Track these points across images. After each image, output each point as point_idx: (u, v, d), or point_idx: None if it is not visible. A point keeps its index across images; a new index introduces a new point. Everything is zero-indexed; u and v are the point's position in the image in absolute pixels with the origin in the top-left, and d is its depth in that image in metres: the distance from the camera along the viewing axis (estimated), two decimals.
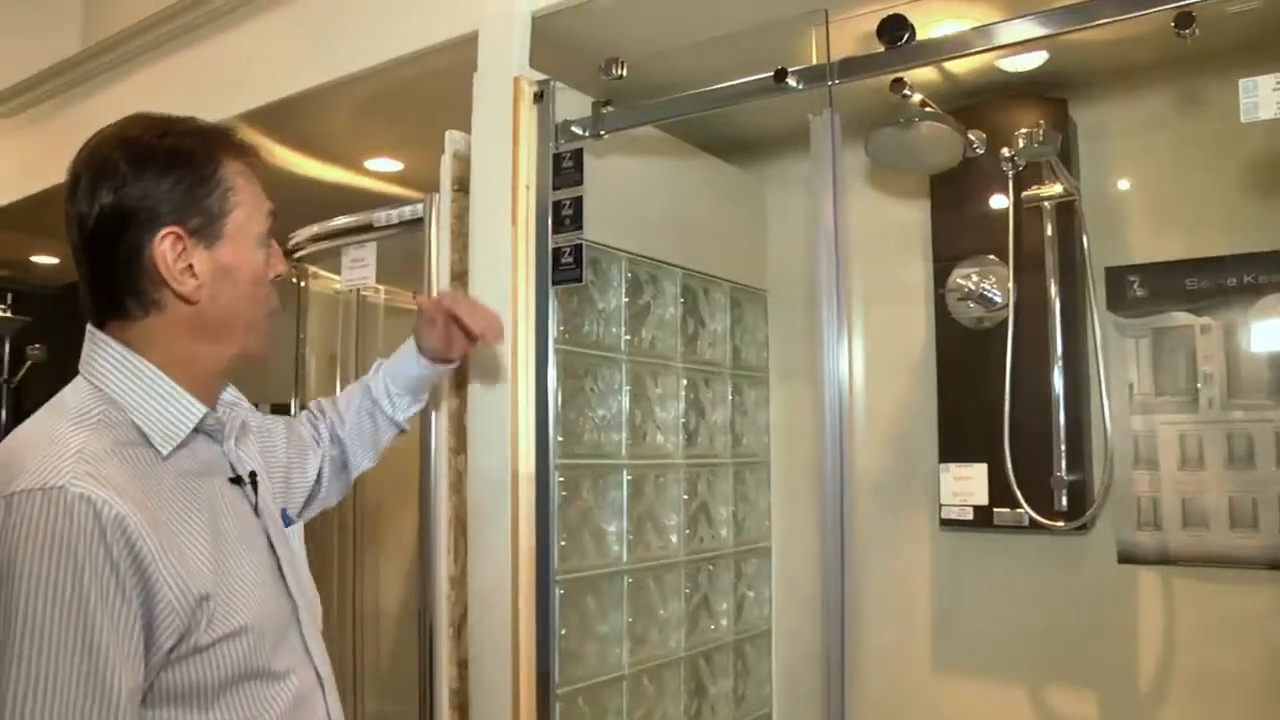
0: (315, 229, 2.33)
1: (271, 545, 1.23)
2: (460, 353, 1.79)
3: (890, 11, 1.55)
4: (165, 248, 1.11)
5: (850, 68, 1.58)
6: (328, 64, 2.33)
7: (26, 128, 3.55)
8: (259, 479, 1.26)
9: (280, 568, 1.22)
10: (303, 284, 2.54)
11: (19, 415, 4.26)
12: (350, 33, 2.31)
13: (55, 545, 0.94)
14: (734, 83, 1.71)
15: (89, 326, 1.15)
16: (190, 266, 1.13)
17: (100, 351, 1.13)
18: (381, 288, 2.70)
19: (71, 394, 1.12)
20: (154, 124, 1.16)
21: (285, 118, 2.58)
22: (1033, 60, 2.05)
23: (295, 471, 1.53)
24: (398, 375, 1.73)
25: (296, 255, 2.44)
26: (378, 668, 2.52)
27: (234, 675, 1.09)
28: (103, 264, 1.12)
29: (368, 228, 2.20)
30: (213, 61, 2.72)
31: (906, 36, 1.50)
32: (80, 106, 3.25)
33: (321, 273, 2.56)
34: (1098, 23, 1.37)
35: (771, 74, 1.63)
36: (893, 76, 1.63)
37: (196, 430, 1.15)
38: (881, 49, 1.56)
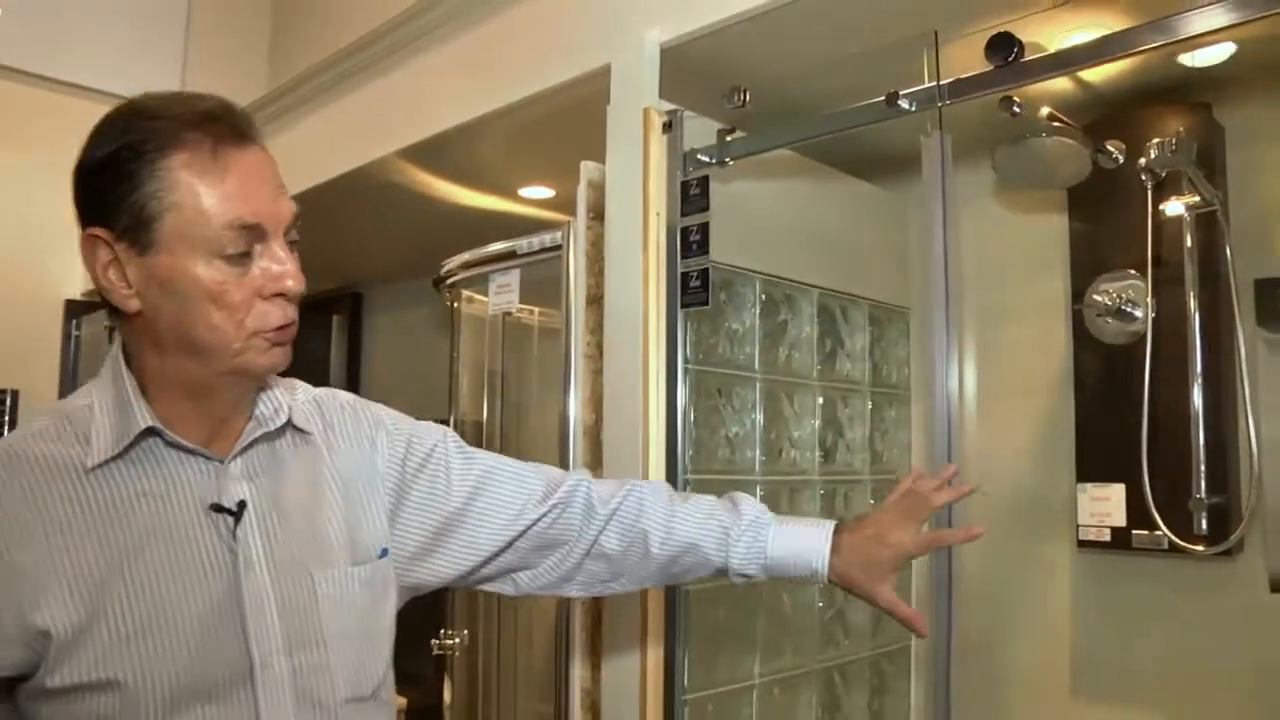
0: (466, 256, 2.49)
1: (240, 591, 1.04)
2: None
3: (998, 29, 1.56)
4: (89, 250, 1.01)
5: (960, 88, 1.60)
6: (477, 99, 2.49)
7: None
8: (264, 510, 1.09)
9: (245, 618, 1.04)
10: (455, 306, 2.71)
11: None
12: (497, 69, 2.46)
13: None
14: (848, 108, 1.75)
15: None
16: (124, 273, 1.00)
17: (110, 350, 1.08)
18: (535, 309, 2.85)
19: (81, 388, 1.09)
20: (147, 98, 1.04)
21: (446, 150, 2.76)
22: (1218, 54, 1.98)
23: (392, 496, 1.25)
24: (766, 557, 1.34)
25: (450, 281, 2.60)
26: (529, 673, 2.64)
27: (93, 669, 0.98)
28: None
29: (511, 255, 2.34)
30: (376, 101, 2.94)
31: (1014, 54, 1.51)
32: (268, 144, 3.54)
33: (476, 296, 2.71)
34: (1198, 34, 1.36)
35: (884, 97, 1.67)
36: (1001, 95, 1.63)
37: (171, 446, 1.05)
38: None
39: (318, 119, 3.21)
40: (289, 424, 1.14)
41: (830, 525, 1.34)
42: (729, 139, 1.97)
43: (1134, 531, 2.10)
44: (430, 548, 1.25)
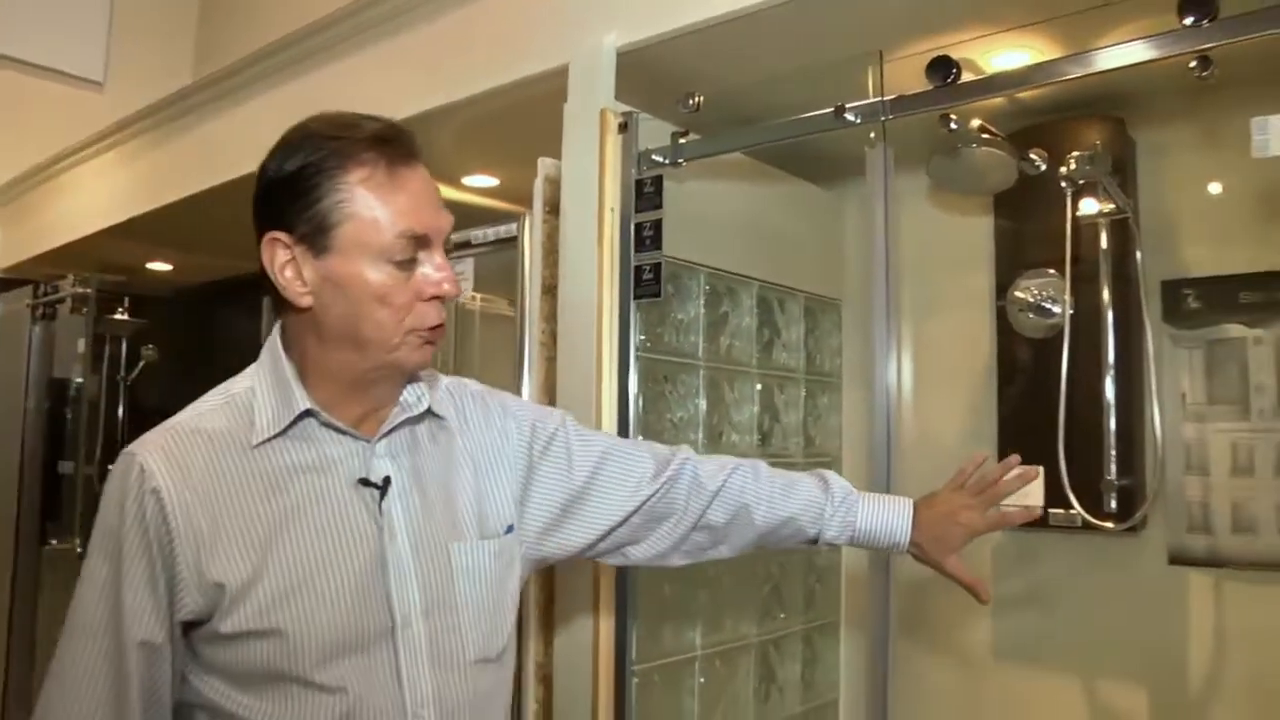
0: None
1: (384, 557, 1.17)
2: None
3: (939, 53, 1.69)
4: (270, 251, 1.13)
5: (902, 105, 1.73)
6: (431, 93, 2.54)
7: (146, 152, 3.87)
8: (405, 486, 1.21)
9: (388, 581, 1.17)
10: None
11: (134, 410, 4.59)
12: (452, 64, 2.52)
13: (113, 496, 1.13)
14: (798, 117, 1.87)
15: None
16: (300, 273, 1.13)
17: (269, 338, 1.21)
18: (478, 296, 2.92)
19: (243, 372, 1.21)
20: (323, 120, 1.16)
21: None
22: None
23: (521, 479, 1.37)
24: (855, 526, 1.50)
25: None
26: None
27: (266, 672, 1.11)
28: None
29: (466, 244, 2.42)
30: (320, 91, 2.96)
31: (953, 76, 1.64)
32: (193, 133, 3.56)
33: None
34: (1111, 68, 1.51)
35: (832, 109, 1.79)
36: (939, 112, 1.77)
37: (326, 426, 1.17)
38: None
39: (258, 105, 3.23)
40: (429, 411, 1.26)
41: (910, 503, 1.51)
42: (682, 141, 2.07)
43: (1051, 510, 2.26)
44: (558, 522, 1.38)
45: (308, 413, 1.16)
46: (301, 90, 3.04)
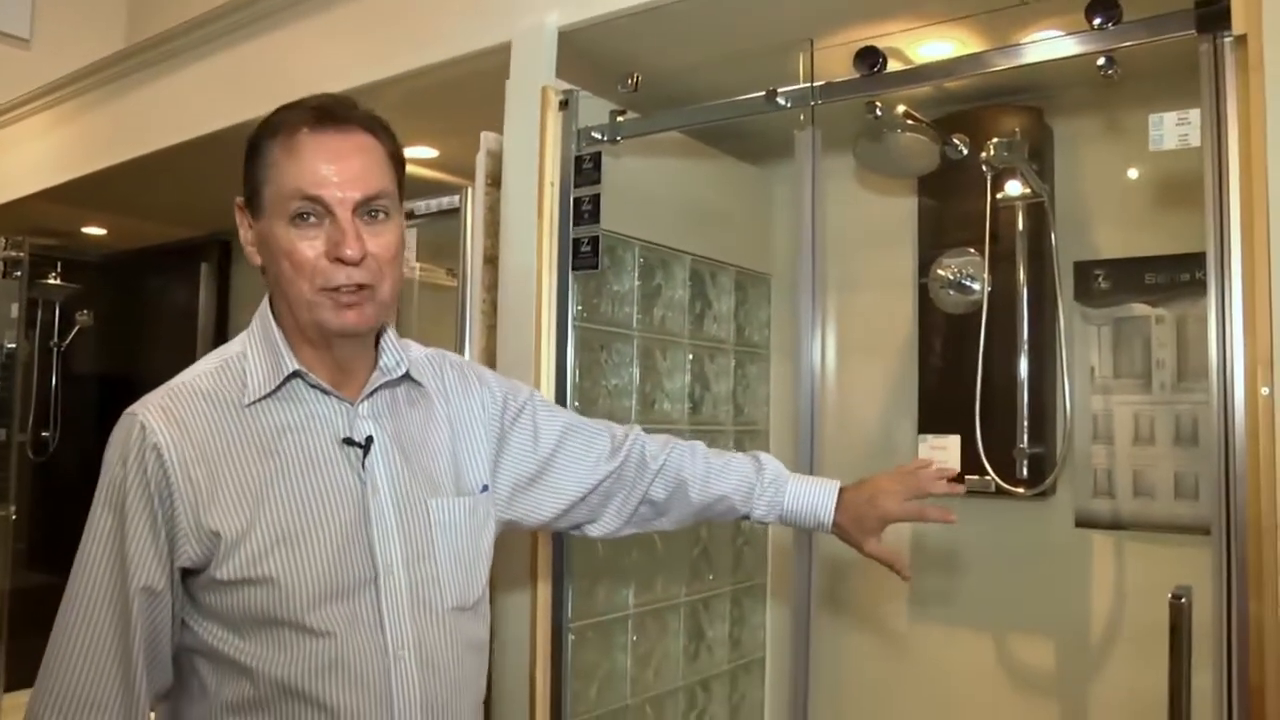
0: None
1: (367, 511, 1.25)
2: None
3: (866, 44, 1.79)
4: (238, 216, 1.27)
5: (831, 91, 1.82)
6: (373, 65, 2.58)
7: (80, 115, 3.82)
8: (386, 446, 1.29)
9: (371, 533, 1.25)
10: None
11: (67, 376, 4.56)
12: (395, 37, 2.56)
13: (116, 452, 1.20)
14: (731, 100, 1.95)
15: None
16: (250, 236, 1.26)
17: (261, 303, 1.30)
18: (418, 265, 2.97)
19: (237, 337, 1.30)
20: (304, 99, 1.27)
21: None
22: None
23: (494, 446, 1.46)
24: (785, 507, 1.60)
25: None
26: None
27: (259, 617, 1.19)
28: None
29: (409, 215, 2.47)
30: (256, 61, 2.98)
31: (879, 65, 1.73)
32: (129, 97, 3.53)
33: None
34: (1021, 63, 1.62)
35: (764, 93, 1.87)
36: (866, 99, 1.86)
37: (313, 387, 1.26)
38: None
39: (194, 73, 3.22)
40: (406, 376, 1.35)
41: (836, 486, 1.60)
42: (620, 119, 2.14)
43: (967, 476, 2.38)
44: (526, 487, 1.50)
45: (295, 374, 1.25)
46: (239, 59, 3.05)
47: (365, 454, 1.27)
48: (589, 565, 2.29)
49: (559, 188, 2.18)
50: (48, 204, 4.08)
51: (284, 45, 2.90)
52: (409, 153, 3.22)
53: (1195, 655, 1.53)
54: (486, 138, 2.29)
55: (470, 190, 2.34)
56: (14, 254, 4.03)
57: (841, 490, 1.59)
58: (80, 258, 4.54)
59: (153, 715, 1.26)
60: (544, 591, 2.13)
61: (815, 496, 1.59)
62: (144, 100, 3.47)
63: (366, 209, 1.22)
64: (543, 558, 2.12)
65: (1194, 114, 1.52)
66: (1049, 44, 1.62)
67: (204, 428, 1.20)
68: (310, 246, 1.19)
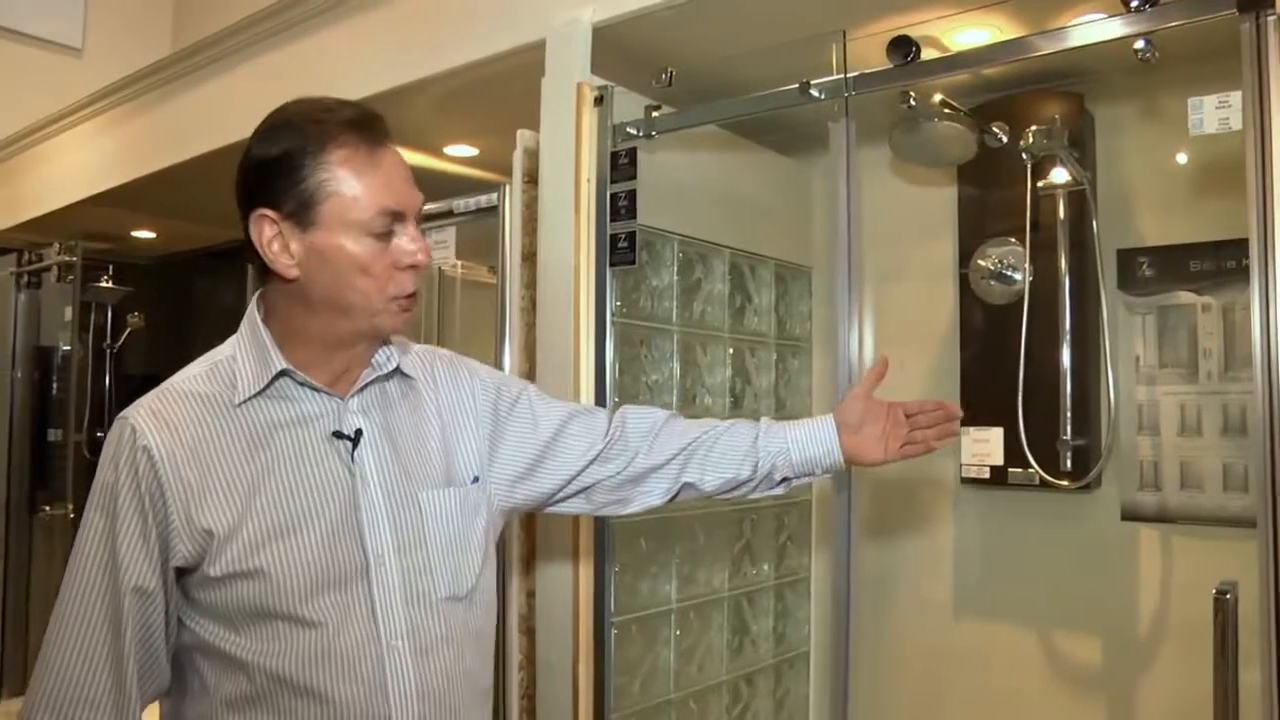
0: None
1: (357, 502, 1.27)
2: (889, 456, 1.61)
3: (904, 30, 1.77)
4: (258, 228, 1.22)
5: (865, 82, 1.81)
6: (410, 66, 2.60)
7: (128, 121, 3.90)
8: (376, 439, 1.31)
9: (361, 524, 1.27)
10: None
11: (120, 376, 4.65)
12: (431, 37, 2.58)
13: (108, 455, 1.22)
14: (765, 93, 1.95)
15: None
16: (287, 246, 1.22)
17: (249, 306, 1.30)
18: (459, 262, 3.00)
19: (226, 342, 1.31)
20: (302, 105, 1.26)
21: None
22: None
23: (487, 437, 1.46)
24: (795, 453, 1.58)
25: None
26: None
27: (253, 610, 1.20)
28: (243, 226, 1.26)
29: (449, 213, 2.49)
30: (299, 62, 3.02)
31: (912, 55, 1.72)
32: (175, 102, 3.60)
33: None
34: (1063, 48, 1.59)
35: (797, 85, 1.87)
36: (899, 89, 1.85)
37: (302, 385, 1.27)
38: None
39: (237, 76, 3.27)
40: (397, 370, 1.37)
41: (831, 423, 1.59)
42: (655, 114, 2.14)
43: (1010, 469, 2.37)
44: (527, 474, 1.49)
45: (284, 373, 1.26)
46: (280, 62, 3.09)
47: (355, 447, 1.29)
48: (632, 558, 2.30)
49: (595, 184, 2.19)
50: (99, 208, 4.16)
51: (324, 47, 2.93)
52: (450, 151, 3.31)
53: (1244, 652, 1.51)
54: (523, 135, 2.31)
55: (508, 188, 2.36)
56: (67, 258, 4.13)
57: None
58: (131, 261, 4.63)
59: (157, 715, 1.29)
60: (586, 587, 2.14)
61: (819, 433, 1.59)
62: (190, 105, 3.53)
63: (418, 218, 1.29)
64: (584, 550, 2.14)
65: (1235, 96, 1.49)
66: (1085, 28, 1.60)
67: (195, 428, 1.23)
68: (384, 256, 1.23)
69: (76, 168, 4.19)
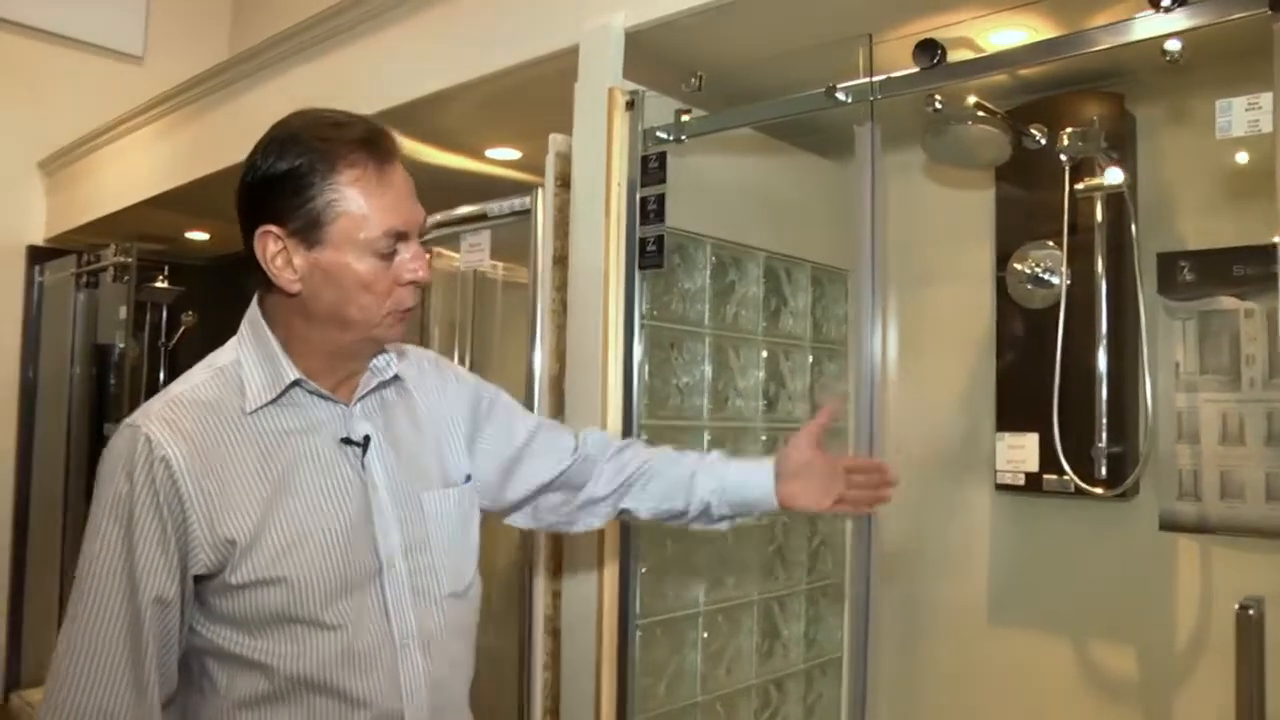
0: (439, 217, 2.65)
1: (369, 506, 1.30)
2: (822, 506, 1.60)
3: (936, 32, 1.76)
4: (263, 243, 1.23)
5: (890, 86, 1.80)
6: (450, 70, 2.64)
7: (184, 125, 4.01)
8: (382, 444, 1.34)
9: (373, 528, 1.29)
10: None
11: (174, 374, 4.75)
12: (470, 43, 2.61)
13: (120, 468, 1.19)
14: (792, 97, 1.95)
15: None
16: (291, 263, 1.23)
17: (248, 314, 1.31)
18: (499, 264, 3.03)
19: (224, 346, 1.32)
20: (308, 120, 1.26)
21: (414, 116, 2.91)
22: None
23: (472, 438, 1.51)
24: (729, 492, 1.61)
25: (422, 239, 2.77)
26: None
27: (274, 616, 1.22)
28: (244, 238, 1.27)
29: (483, 217, 2.52)
30: (347, 67, 3.07)
31: (938, 58, 1.71)
32: (228, 107, 3.68)
33: (444, 252, 2.89)
34: (1092, 49, 1.57)
35: (823, 90, 1.86)
36: (925, 92, 1.83)
37: (311, 393, 1.29)
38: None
39: (288, 80, 3.33)
40: (395, 376, 1.40)
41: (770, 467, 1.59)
42: (685, 118, 2.15)
43: (1045, 476, 2.33)
44: (506, 474, 1.55)
45: (296, 382, 1.28)
46: (330, 66, 3.14)
47: (364, 452, 1.32)
48: (659, 563, 2.30)
49: (626, 188, 2.20)
50: (154, 211, 4.27)
51: (370, 53, 2.98)
52: (492, 154, 3.34)
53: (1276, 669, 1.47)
54: (555, 139, 2.32)
55: (541, 191, 2.38)
56: (123, 260, 4.23)
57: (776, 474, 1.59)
58: (185, 261, 4.73)
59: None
60: (611, 589, 2.15)
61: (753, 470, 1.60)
62: (242, 109, 3.61)
63: (421, 234, 1.31)
64: (610, 551, 2.15)
65: (1265, 98, 1.46)
66: (1113, 29, 1.57)
67: (208, 437, 1.23)
68: (387, 274, 1.25)
69: (134, 172, 4.30)
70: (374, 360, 1.37)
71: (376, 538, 1.30)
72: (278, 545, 1.22)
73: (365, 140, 1.24)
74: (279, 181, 1.23)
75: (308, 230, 1.22)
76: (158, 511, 1.18)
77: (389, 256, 1.24)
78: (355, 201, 1.22)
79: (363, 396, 1.35)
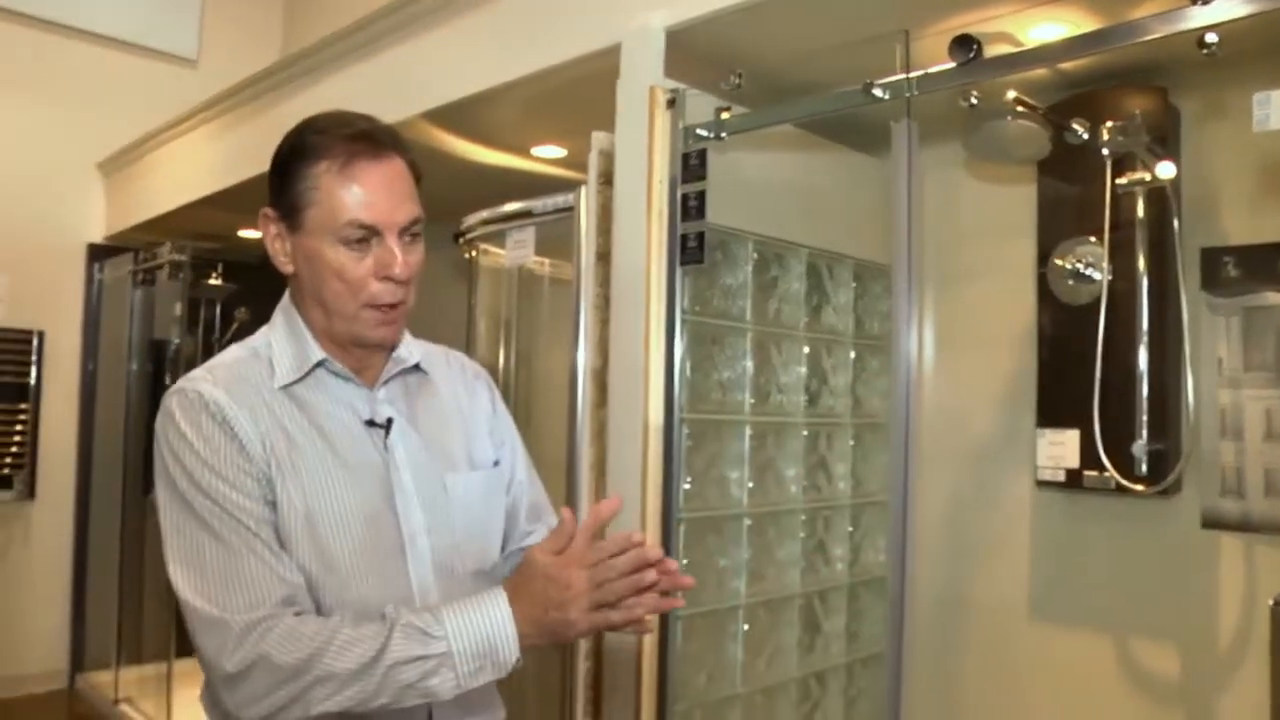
0: (485, 214, 2.71)
1: (391, 485, 1.35)
2: None
3: (975, 27, 1.78)
4: (263, 225, 1.36)
5: (927, 82, 1.81)
6: (496, 69, 2.68)
7: (237, 126, 4.11)
8: (404, 427, 1.39)
9: (395, 506, 1.35)
10: (473, 258, 2.94)
11: None
12: (514, 42, 2.66)
13: (185, 418, 1.27)
14: (829, 94, 1.97)
15: None
16: (284, 246, 1.34)
17: (281, 301, 1.41)
18: (546, 260, 3.07)
19: (258, 331, 1.41)
20: (323, 117, 1.36)
21: (462, 114, 2.96)
22: None
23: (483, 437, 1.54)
24: None
25: (469, 236, 2.82)
26: None
27: (308, 580, 1.28)
28: None
29: (528, 214, 2.56)
30: (396, 67, 3.13)
31: (974, 54, 1.72)
32: (280, 108, 3.76)
33: (490, 249, 2.94)
34: (1129, 42, 1.57)
35: (861, 86, 1.88)
36: (961, 89, 1.84)
37: (335, 374, 1.37)
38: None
39: (339, 81, 3.40)
40: (416, 365, 1.47)
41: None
42: (725, 116, 2.17)
43: (1085, 473, 2.32)
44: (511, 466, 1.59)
45: (320, 362, 1.36)
46: (379, 67, 3.21)
47: (387, 434, 1.38)
48: (700, 555, 2.33)
49: (667, 185, 2.23)
50: (208, 210, 4.37)
51: (418, 53, 3.03)
52: (539, 151, 3.39)
53: None
54: (597, 137, 2.36)
55: (584, 189, 2.41)
56: (177, 258, 4.33)
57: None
58: (238, 259, 4.82)
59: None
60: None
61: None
62: (293, 110, 3.64)
63: (407, 231, 1.34)
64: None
65: None
66: (1149, 22, 1.57)
67: (252, 404, 1.31)
68: (360, 266, 1.31)
69: (188, 172, 4.40)
70: (398, 350, 1.43)
71: (399, 516, 1.35)
72: (310, 514, 1.29)
73: (354, 137, 1.31)
74: (278, 168, 1.34)
75: (291, 215, 1.32)
76: (225, 436, 1.26)
77: (359, 247, 1.30)
78: (326, 191, 1.29)
79: (386, 381, 1.42)
